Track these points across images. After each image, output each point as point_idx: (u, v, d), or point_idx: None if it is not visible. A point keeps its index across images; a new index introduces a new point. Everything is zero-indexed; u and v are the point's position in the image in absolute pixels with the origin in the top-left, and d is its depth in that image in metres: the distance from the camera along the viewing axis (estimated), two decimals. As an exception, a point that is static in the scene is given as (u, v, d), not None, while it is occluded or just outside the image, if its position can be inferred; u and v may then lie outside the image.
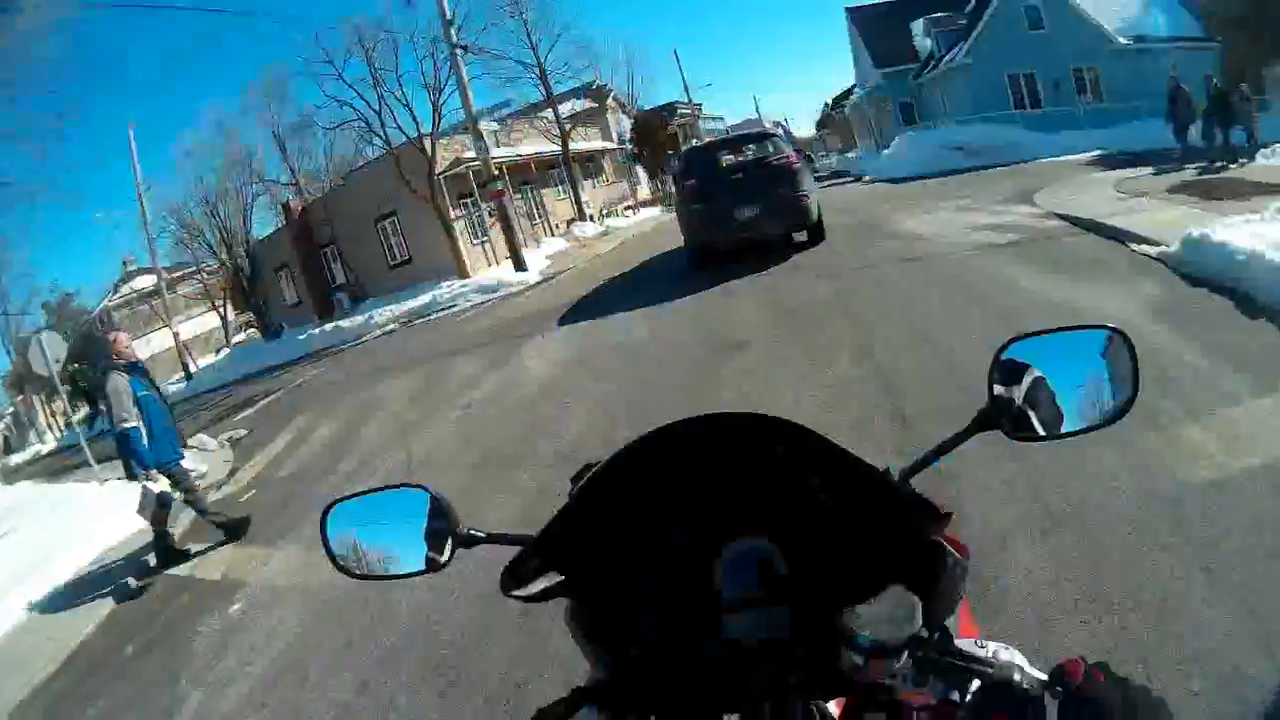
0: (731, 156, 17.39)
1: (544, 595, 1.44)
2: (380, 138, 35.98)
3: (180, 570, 9.20)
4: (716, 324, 11.57)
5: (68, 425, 45.44)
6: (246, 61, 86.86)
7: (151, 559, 9.80)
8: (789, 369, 8.83)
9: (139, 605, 8.67)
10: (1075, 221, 13.72)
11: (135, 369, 9.45)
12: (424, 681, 4.97)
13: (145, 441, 8.98)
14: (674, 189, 22.77)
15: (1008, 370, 1.48)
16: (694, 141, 43.20)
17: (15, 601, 10.24)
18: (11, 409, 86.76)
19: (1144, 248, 10.75)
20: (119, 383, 9.02)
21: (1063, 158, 26.24)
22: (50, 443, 67.27)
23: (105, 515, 12.70)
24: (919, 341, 8.42)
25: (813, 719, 1.25)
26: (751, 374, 9.06)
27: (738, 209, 15.57)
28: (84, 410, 68.25)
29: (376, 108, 35.28)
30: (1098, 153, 28.75)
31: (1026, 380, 1.47)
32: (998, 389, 1.46)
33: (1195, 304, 8.22)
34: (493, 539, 1.57)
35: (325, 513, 1.68)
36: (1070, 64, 41.99)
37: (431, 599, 5.80)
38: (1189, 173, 19.08)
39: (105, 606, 9.03)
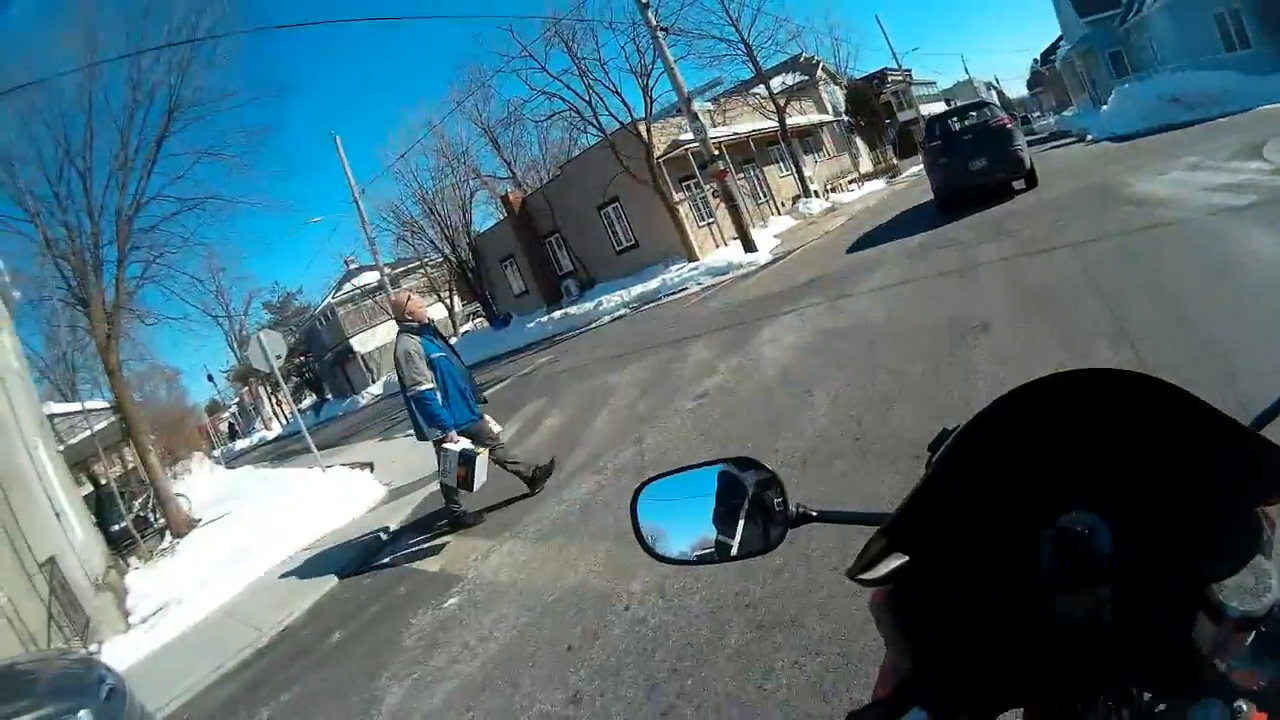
0: (961, 122, 22.94)
1: (891, 578, 1.32)
2: (594, 126, 36.38)
3: (404, 561, 9.66)
4: (958, 309, 11.04)
5: (292, 414, 47.72)
6: (445, 64, 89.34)
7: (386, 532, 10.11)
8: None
9: (353, 591, 9.12)
10: (1337, 177, 12.41)
11: (427, 330, 9.69)
12: (646, 700, 4.75)
13: (441, 403, 9.23)
14: (921, 152, 28.71)
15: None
16: (928, 112, 50.53)
17: (226, 585, 10.78)
18: (237, 399, 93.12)
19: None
20: (410, 345, 9.28)
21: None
22: (276, 429, 71.30)
23: (327, 500, 13.16)
24: (1179, 328, 7.74)
25: (1140, 711, 1.18)
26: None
27: (971, 161, 20.60)
28: (310, 399, 71.75)
29: (586, 97, 35.93)
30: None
31: None
32: None
33: None
34: (824, 518, 1.52)
35: (637, 492, 1.65)
36: (1279, -3, 38.57)
37: (658, 607, 5.73)
38: None
39: (318, 591, 9.30)
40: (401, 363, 9.23)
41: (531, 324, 34.64)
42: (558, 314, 33.75)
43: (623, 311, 28.57)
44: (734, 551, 1.55)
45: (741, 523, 1.55)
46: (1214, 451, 1.19)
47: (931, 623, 1.30)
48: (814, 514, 1.51)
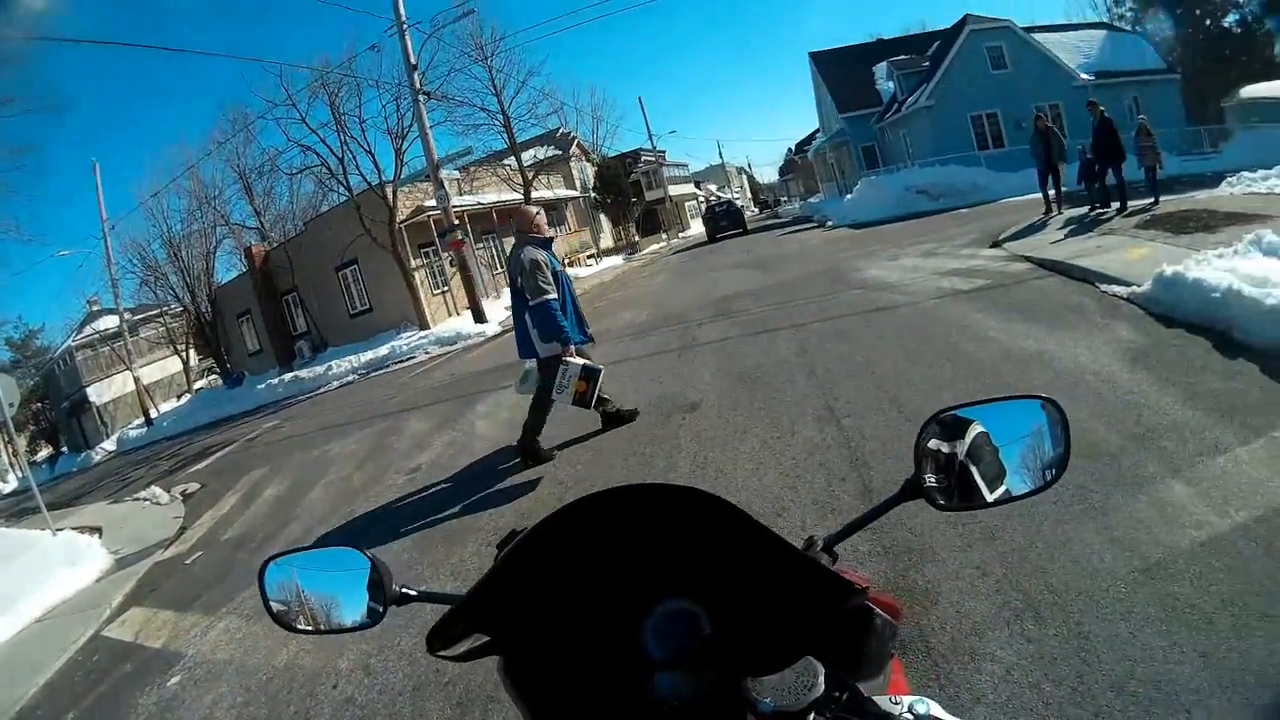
0: (721, 205, 58.01)
1: (469, 655, 1.45)
2: (342, 184, 35.50)
3: (118, 636, 8.96)
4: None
5: (23, 468, 44.81)
6: (213, 99, 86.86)
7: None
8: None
9: (83, 670, 8.40)
10: (1041, 263, 13.63)
11: (549, 245, 9.31)
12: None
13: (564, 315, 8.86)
14: (704, 220, 55.61)
15: (935, 440, 1.61)
16: (676, 193, 75.01)
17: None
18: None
19: (1114, 288, 10.55)
20: (539, 254, 8.86)
21: (1026, 197, 26.16)
22: (12, 482, 66.37)
23: (56, 567, 12.27)
24: (886, 403, 8.08)
25: None
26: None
27: (722, 222, 53.78)
28: (46, 451, 67.32)
29: (339, 153, 34.78)
30: (1077, 187, 28.94)
31: (954, 451, 1.59)
32: (936, 454, 1.60)
33: (1173, 346, 8.00)
34: (423, 597, 1.70)
35: (263, 567, 1.77)
36: (1033, 102, 41.78)
37: (364, 685, 5.60)
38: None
39: (47, 670, 8.67)
40: (528, 270, 8.71)
41: (263, 385, 33.25)
42: (289, 376, 32.51)
43: (351, 378, 27.86)
44: (347, 624, 1.72)
45: (354, 600, 1.70)
46: (767, 562, 1.39)
47: (547, 693, 1.43)
48: (414, 594, 1.69)
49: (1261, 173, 20.56)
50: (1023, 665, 3.69)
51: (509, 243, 36.75)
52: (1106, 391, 7.06)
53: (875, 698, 1.36)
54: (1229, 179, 20.99)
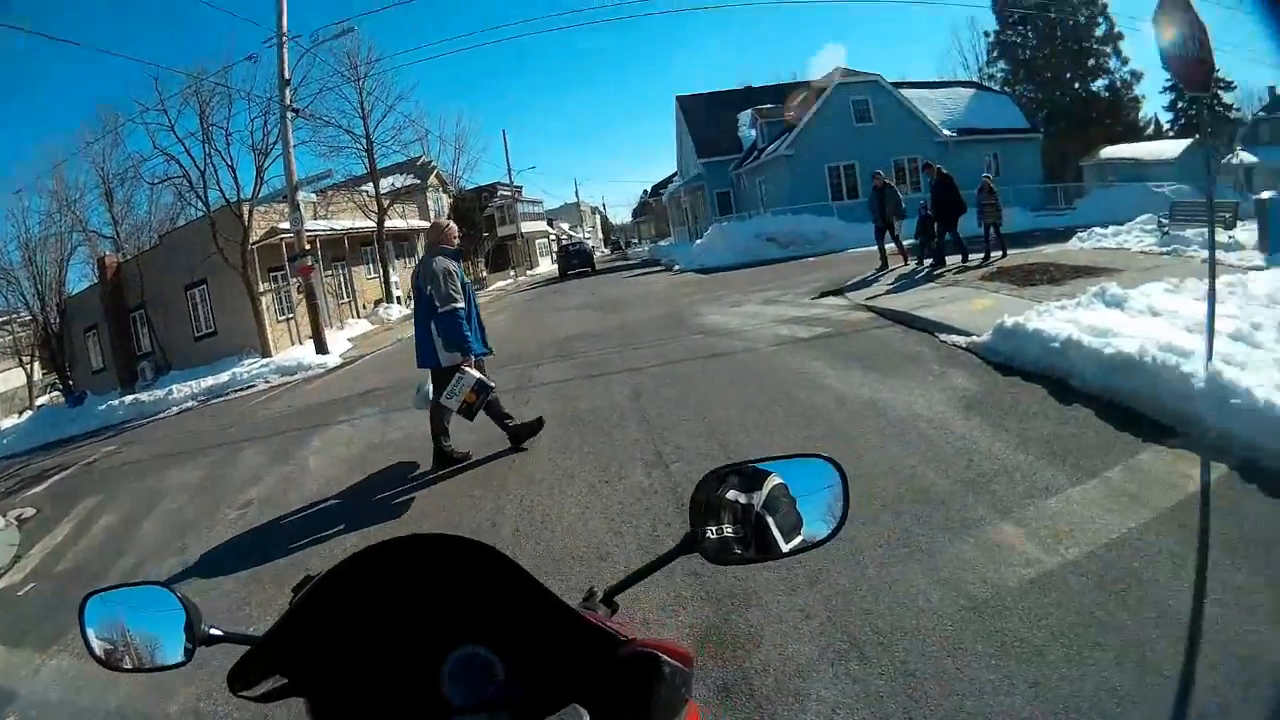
0: (574, 246, 63.25)
1: (269, 696, 1.46)
2: (200, 198, 34.43)
3: None
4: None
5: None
6: (90, 96, 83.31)
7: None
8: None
9: None
10: (883, 313, 13.92)
11: (459, 257, 9.67)
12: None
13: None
14: (557, 257, 61.03)
15: (733, 492, 1.66)
16: (529, 229, 76.21)
17: None
18: None
19: (954, 338, 10.87)
20: (450, 264, 9.07)
21: (874, 248, 26.60)
22: None
23: None
24: (716, 449, 8.09)
25: None
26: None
27: (573, 261, 57.02)
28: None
29: (201, 166, 33.69)
30: (913, 241, 29.58)
31: (751, 502, 1.64)
32: (735, 505, 1.65)
33: (1009, 393, 8.26)
34: (229, 638, 1.67)
35: (83, 604, 1.74)
36: (893, 156, 43.07)
37: None
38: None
39: None
40: (440, 278, 8.77)
41: (104, 406, 31.84)
42: (129, 399, 31.13)
43: (192, 404, 26.94)
44: (167, 663, 1.68)
45: (168, 639, 1.67)
46: (540, 613, 1.42)
47: None
48: (220, 635, 1.67)
49: (1113, 229, 21.84)
50: (848, 704, 3.69)
51: (359, 271, 36.42)
52: (938, 438, 7.23)
53: None
54: (1080, 234, 22.20)
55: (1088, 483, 5.65)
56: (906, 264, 21.68)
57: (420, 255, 9.39)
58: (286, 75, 28.31)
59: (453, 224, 9.86)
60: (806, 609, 4.57)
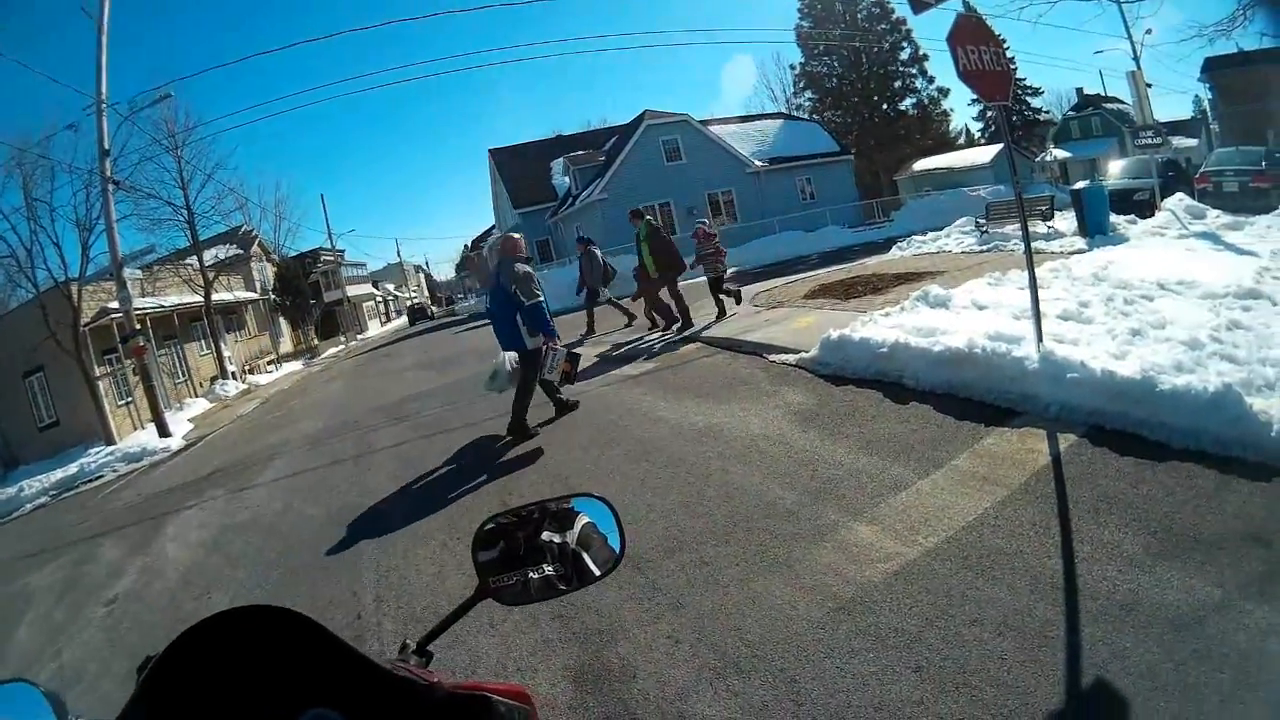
0: (418, 306, 76.15)
1: None
2: (29, 279, 32.71)
3: None
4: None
5: None
6: None
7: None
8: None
9: None
10: (710, 341, 13.97)
11: (529, 262, 11.20)
12: None
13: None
14: (409, 311, 53.64)
15: (548, 534, 1.78)
16: (355, 293, 65.85)
17: None
18: None
19: (784, 357, 10.99)
20: (527, 267, 10.83)
21: (695, 280, 26.67)
22: None
23: None
24: (560, 490, 7.81)
25: None
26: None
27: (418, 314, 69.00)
28: None
29: (28, 244, 31.99)
30: (732, 270, 29.94)
31: (565, 540, 1.76)
32: (484, 563, 1.76)
33: (844, 402, 8.36)
34: None
35: None
36: (706, 190, 44.18)
37: None
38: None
39: None
40: (524, 279, 10.54)
41: (-50, 508, 30.50)
42: (-19, 499, 29.86)
43: (44, 499, 25.79)
44: None
45: None
46: (354, 671, 1.42)
47: None
48: None
49: (932, 234, 23.08)
50: (735, 718, 3.62)
51: (191, 348, 35.44)
52: (779, 454, 7.26)
53: None
54: (899, 244, 23.24)
55: (935, 473, 5.76)
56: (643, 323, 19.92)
57: (493, 266, 12.06)
58: (106, 145, 26.75)
59: (520, 237, 11.54)
60: (674, 634, 4.51)
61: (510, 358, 10.68)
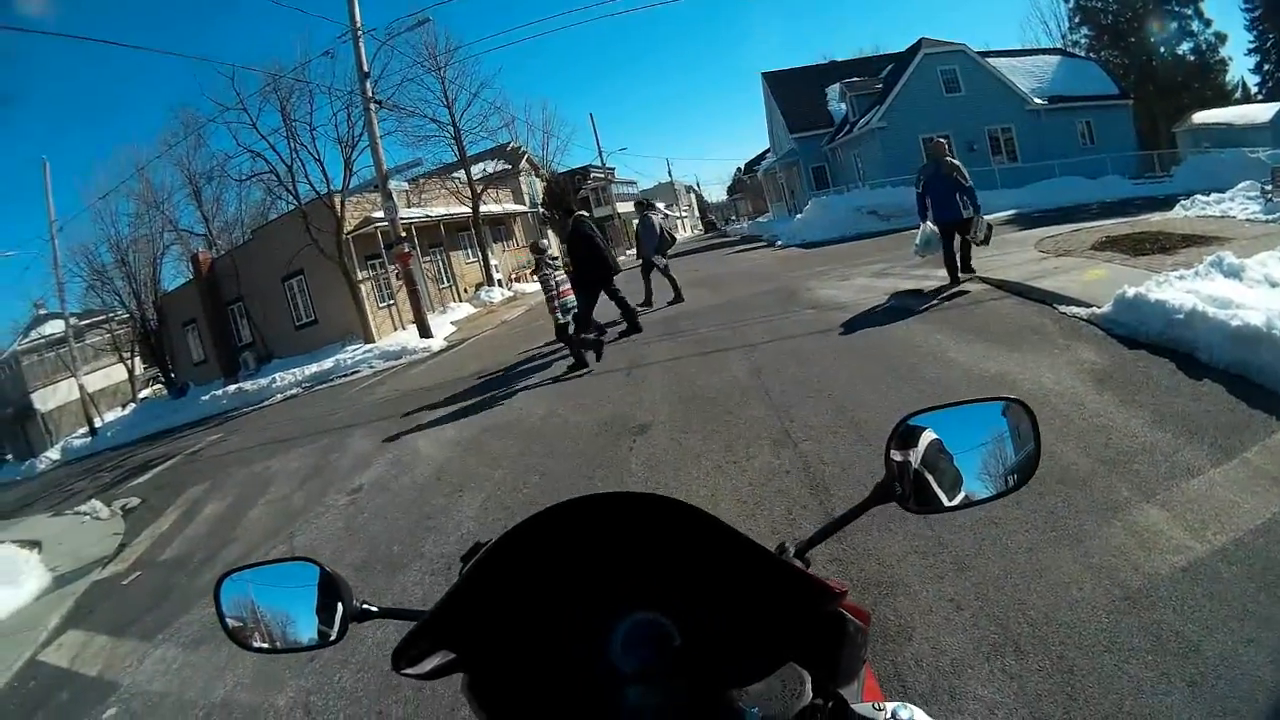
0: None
1: (435, 673, 1.40)
2: (290, 192, 34.77)
3: (54, 661, 8.70)
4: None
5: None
6: (165, 99, 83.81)
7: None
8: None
9: (21, 695, 8.13)
10: (999, 285, 13.48)
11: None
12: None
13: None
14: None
15: (905, 444, 1.54)
16: (624, 210, 61.76)
17: None
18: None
19: (1074, 309, 10.48)
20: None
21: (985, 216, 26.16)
22: None
23: None
24: (845, 426, 7.88)
25: None
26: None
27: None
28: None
29: (289, 161, 33.97)
30: (1013, 211, 29.16)
31: (926, 454, 1.53)
32: (895, 462, 1.54)
33: (1137, 368, 7.92)
34: (385, 614, 1.69)
35: (219, 582, 1.73)
36: (985, 125, 42.69)
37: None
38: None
39: None
40: (960, 169, 14.05)
41: (207, 397, 32.47)
42: (233, 388, 31.67)
43: (295, 391, 27.26)
44: (304, 642, 1.68)
45: (313, 616, 1.66)
46: (743, 569, 1.33)
47: (511, 709, 1.41)
48: (375, 611, 1.68)
49: (1215, 196, 20.95)
50: (1007, 704, 3.54)
51: (457, 256, 36.75)
52: (1073, 414, 6.96)
53: (856, 705, 1.33)
54: (1182, 202, 21.31)
55: (1227, 464, 5.38)
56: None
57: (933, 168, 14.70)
58: (365, 68, 28.61)
59: (946, 140, 14.86)
60: (957, 598, 4.43)
61: (931, 228, 14.25)
